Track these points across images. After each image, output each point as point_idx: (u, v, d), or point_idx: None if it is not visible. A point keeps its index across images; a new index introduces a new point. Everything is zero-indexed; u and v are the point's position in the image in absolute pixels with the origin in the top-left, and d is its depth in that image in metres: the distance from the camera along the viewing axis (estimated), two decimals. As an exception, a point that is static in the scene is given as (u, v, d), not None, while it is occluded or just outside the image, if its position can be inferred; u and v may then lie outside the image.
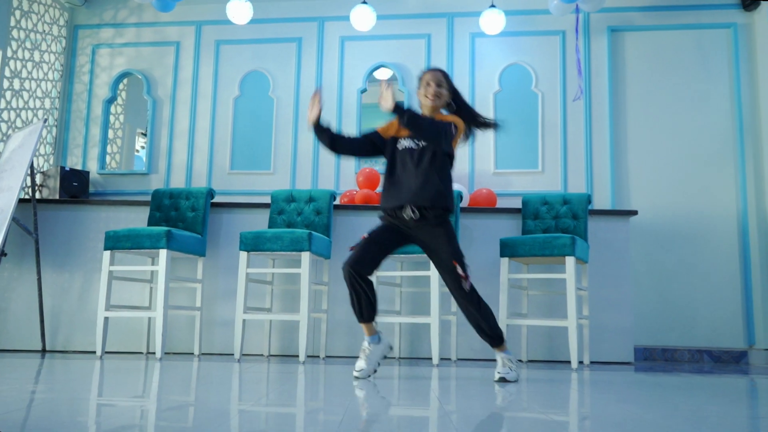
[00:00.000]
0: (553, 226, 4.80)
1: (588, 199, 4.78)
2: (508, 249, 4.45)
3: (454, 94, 3.38)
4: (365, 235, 3.28)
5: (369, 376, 3.28)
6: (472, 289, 3.23)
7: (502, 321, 4.36)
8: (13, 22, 5.54)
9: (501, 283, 4.43)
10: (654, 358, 5.26)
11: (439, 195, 3.20)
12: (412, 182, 3.21)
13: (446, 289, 4.64)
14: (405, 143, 3.28)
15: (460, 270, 3.18)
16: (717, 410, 2.37)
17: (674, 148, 5.65)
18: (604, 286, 4.84)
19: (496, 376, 3.23)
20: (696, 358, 5.23)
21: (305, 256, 4.30)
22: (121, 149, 6.66)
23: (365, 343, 3.30)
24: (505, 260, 4.44)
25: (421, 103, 3.36)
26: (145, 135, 6.62)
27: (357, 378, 3.23)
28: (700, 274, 5.46)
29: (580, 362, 4.54)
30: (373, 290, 3.23)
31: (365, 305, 3.22)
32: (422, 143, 3.24)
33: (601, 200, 5.58)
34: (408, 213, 3.21)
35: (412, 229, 3.26)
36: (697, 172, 5.60)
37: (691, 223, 5.53)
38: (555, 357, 4.77)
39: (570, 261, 4.26)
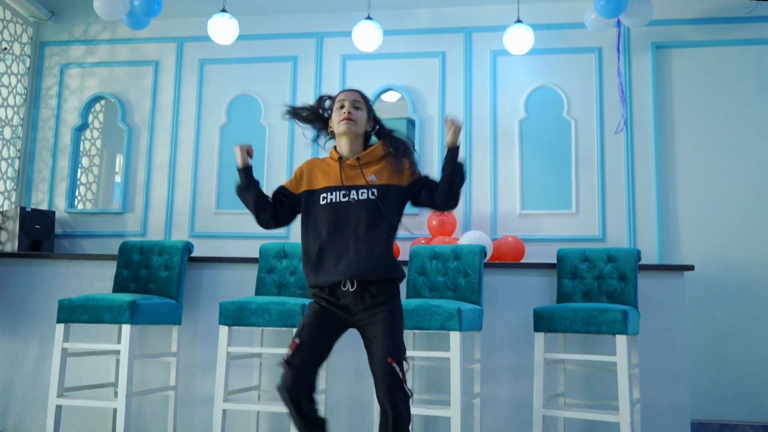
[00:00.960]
0: (595, 289, 4.00)
1: (638, 256, 3.98)
2: (543, 322, 3.67)
3: (375, 120, 2.63)
4: (295, 340, 2.46)
5: None
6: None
7: (537, 410, 3.59)
8: (-39, 43, 4.78)
9: (536, 363, 3.65)
10: (711, 437, 4.48)
11: (388, 263, 2.48)
12: (351, 248, 2.44)
13: (469, 366, 3.90)
14: (330, 197, 2.49)
15: (398, 370, 2.38)
16: None
17: (732, 186, 4.83)
18: (655, 359, 4.05)
19: None
20: (760, 435, 4.44)
21: (298, 333, 3.53)
22: (98, 178, 5.91)
23: None
24: (540, 335, 3.67)
25: (331, 129, 2.59)
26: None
27: None
28: (764, 336, 4.65)
29: (631, 454, 3.76)
30: (317, 410, 2.46)
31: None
32: (358, 196, 2.47)
33: (646, 248, 4.78)
34: (347, 289, 2.44)
35: (349, 312, 2.48)
36: (760, 214, 4.78)
37: (752, 276, 4.72)
38: (598, 444, 3.99)
39: (621, 340, 3.48)
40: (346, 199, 2.47)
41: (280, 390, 2.42)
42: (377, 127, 2.64)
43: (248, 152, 2.63)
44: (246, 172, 2.62)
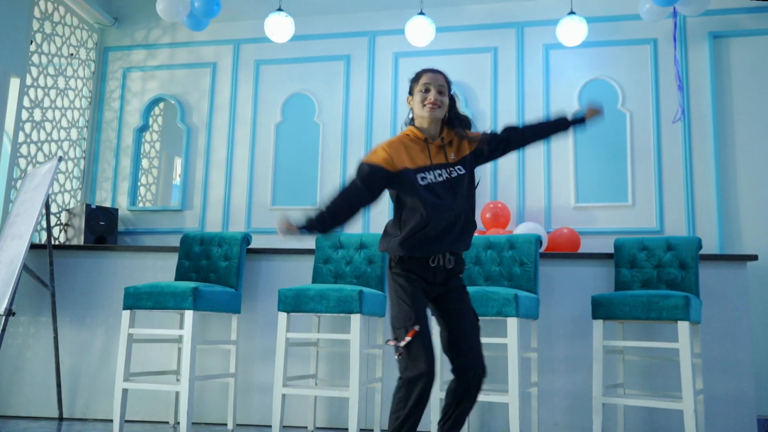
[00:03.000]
0: (654, 278, 3.94)
1: (698, 244, 3.91)
2: (602, 309, 3.63)
3: (452, 99, 2.60)
4: (415, 328, 2.38)
5: None
6: None
7: (596, 398, 3.55)
8: (33, 47, 5.01)
9: (594, 350, 3.61)
10: (778, 433, 4.33)
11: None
12: (448, 223, 2.45)
13: (525, 354, 3.88)
14: (430, 177, 2.47)
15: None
16: None
17: (795, 176, 4.71)
18: (719, 349, 3.96)
19: None
20: (831, 433, 4.28)
21: (355, 319, 3.59)
22: (157, 179, 6.10)
23: None
24: (599, 323, 3.63)
25: (414, 113, 2.57)
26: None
27: None
28: (833, 330, 4.50)
29: (694, 446, 3.67)
30: None
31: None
32: (456, 170, 2.49)
33: (706, 240, 4.68)
34: (443, 263, 2.49)
35: (436, 286, 2.51)
36: (825, 204, 4.65)
37: (819, 267, 4.58)
38: (659, 436, 3.91)
39: (683, 327, 3.42)
40: (441, 179, 2.48)
41: (419, 377, 2.33)
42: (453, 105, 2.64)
43: (288, 228, 2.47)
44: (306, 229, 2.48)
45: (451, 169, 2.50)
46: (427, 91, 2.51)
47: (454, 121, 2.59)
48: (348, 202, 2.48)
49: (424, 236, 2.45)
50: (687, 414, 3.37)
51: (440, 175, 2.48)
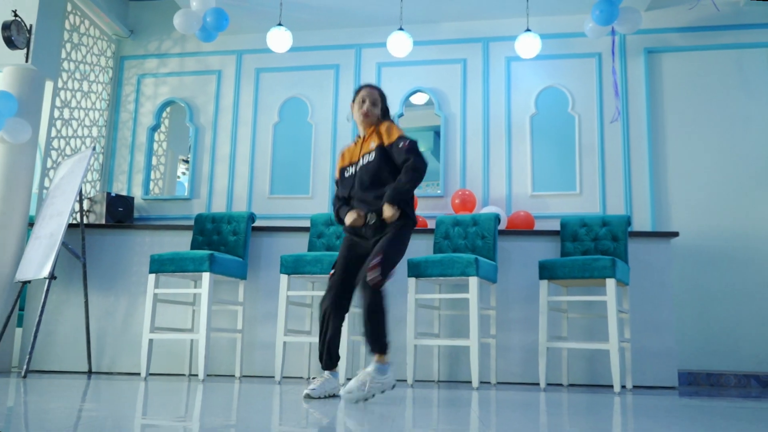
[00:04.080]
0: (592, 249, 4.76)
1: (628, 221, 4.74)
2: (546, 271, 4.43)
3: (384, 113, 3.46)
4: (331, 271, 3.42)
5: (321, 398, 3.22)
6: (381, 290, 3.10)
7: (542, 344, 4.33)
8: (63, 54, 5.77)
9: (540, 305, 4.40)
10: (699, 383, 5.15)
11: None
12: (370, 195, 3.31)
13: (486, 312, 4.67)
14: (351, 170, 3.43)
15: (378, 268, 3.08)
16: (766, 435, 2.32)
17: (715, 169, 5.58)
18: (645, 309, 4.78)
19: (343, 392, 3.05)
20: (743, 383, 5.09)
21: (344, 279, 4.34)
22: (163, 175, 6.84)
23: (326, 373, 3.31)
24: (544, 283, 4.42)
25: (353, 116, 3.46)
26: (186, 161, 6.79)
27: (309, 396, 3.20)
28: (744, 296, 5.35)
29: (623, 386, 4.47)
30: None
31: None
32: (364, 157, 3.39)
33: (642, 222, 5.52)
34: (370, 220, 3.28)
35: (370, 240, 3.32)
36: (738, 192, 5.52)
37: (733, 244, 5.43)
38: (596, 381, 4.71)
39: (611, 283, 4.22)
40: (353, 169, 3.42)
41: (320, 307, 3.34)
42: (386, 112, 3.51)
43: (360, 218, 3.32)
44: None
45: (365, 156, 3.36)
46: (363, 102, 3.42)
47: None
48: (338, 202, 3.52)
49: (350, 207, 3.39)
50: (612, 353, 4.16)
51: (353, 165, 3.43)
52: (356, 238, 3.36)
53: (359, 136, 3.47)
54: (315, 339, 4.47)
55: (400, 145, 3.24)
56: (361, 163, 3.36)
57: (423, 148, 6.57)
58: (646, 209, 5.55)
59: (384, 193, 3.23)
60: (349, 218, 3.28)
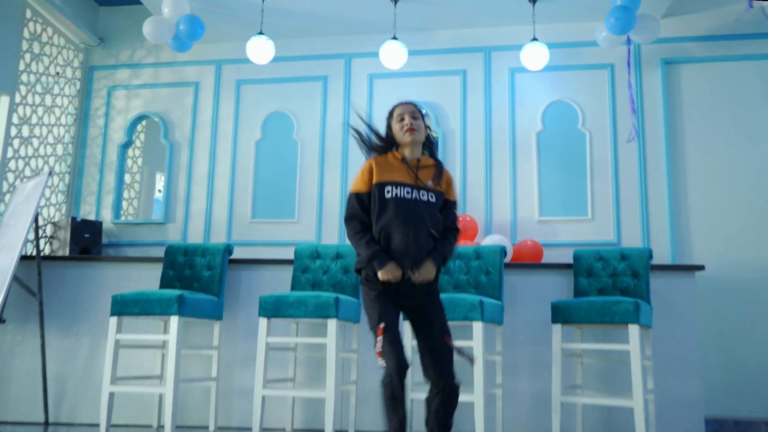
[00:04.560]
0: (609, 286, 4.25)
1: (649, 255, 4.23)
2: (560, 314, 3.92)
3: (427, 128, 2.88)
4: (381, 325, 2.63)
5: None
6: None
7: (555, 397, 3.83)
8: (22, 66, 5.22)
9: (553, 353, 3.90)
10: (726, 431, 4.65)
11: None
12: (411, 238, 2.68)
13: (491, 357, 4.15)
14: (396, 191, 2.72)
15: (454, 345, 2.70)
16: None
17: (740, 192, 5.08)
18: (668, 353, 4.27)
19: None
20: (774, 431, 4.60)
21: (332, 324, 3.83)
22: (139, 194, 6.31)
23: None
24: (557, 327, 3.92)
25: (397, 139, 2.80)
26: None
27: None
28: (775, 335, 4.85)
29: (646, 443, 3.95)
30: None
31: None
32: (429, 195, 2.76)
33: (660, 250, 5.02)
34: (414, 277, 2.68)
35: (406, 297, 2.71)
36: (767, 218, 5.02)
37: (761, 277, 4.93)
38: (615, 434, 4.20)
39: (634, 330, 3.72)
40: (410, 196, 2.72)
41: (386, 377, 2.53)
42: (428, 133, 2.91)
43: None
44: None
45: (423, 191, 2.74)
46: (402, 119, 2.79)
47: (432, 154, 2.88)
48: (365, 231, 2.72)
49: (389, 251, 2.67)
50: (637, 411, 3.65)
51: (409, 192, 2.72)
52: (385, 288, 2.69)
53: (399, 153, 2.80)
54: (298, 393, 3.95)
55: (454, 208, 2.86)
56: (419, 196, 2.73)
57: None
58: (665, 236, 5.05)
59: (431, 247, 2.70)
60: (390, 275, 2.64)
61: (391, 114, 2.86)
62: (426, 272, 2.67)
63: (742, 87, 5.21)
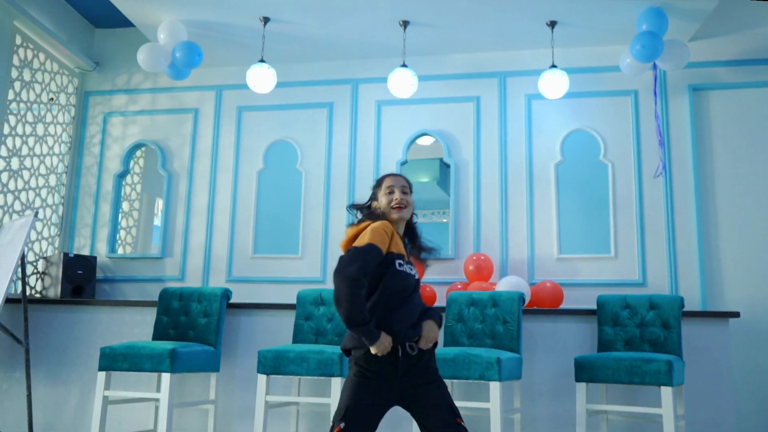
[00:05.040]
0: (637, 337, 3.92)
1: (681, 304, 3.90)
2: (585, 372, 3.60)
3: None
4: (340, 424, 2.25)
5: None
6: None
7: (580, 463, 3.50)
8: (11, 95, 4.95)
9: (578, 414, 3.58)
10: (763, 491, 4.31)
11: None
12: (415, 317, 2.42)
13: (510, 416, 3.83)
14: (405, 266, 2.45)
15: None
16: None
17: (775, 229, 4.73)
18: (701, 410, 3.94)
19: None
20: (816, 490, 4.25)
21: (336, 383, 3.53)
22: (138, 222, 6.02)
23: None
24: (582, 386, 3.60)
25: (381, 211, 2.51)
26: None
27: None
28: (815, 385, 4.50)
29: None
30: None
31: None
32: (412, 267, 2.51)
33: (688, 291, 4.67)
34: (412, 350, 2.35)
35: (401, 379, 2.35)
36: (805, 258, 4.67)
37: (800, 321, 4.58)
38: (644, 499, 3.86)
39: (667, 392, 3.39)
40: (411, 272, 2.48)
41: None
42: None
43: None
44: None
45: (412, 266, 2.50)
46: (391, 192, 2.52)
47: (418, 241, 2.61)
48: (365, 304, 2.34)
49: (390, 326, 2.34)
50: (671, 482, 3.33)
51: (410, 269, 2.48)
52: (371, 374, 2.33)
53: (392, 229, 2.47)
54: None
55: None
56: (412, 272, 2.48)
57: (428, 178, 5.78)
58: (695, 276, 4.70)
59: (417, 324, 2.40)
60: (382, 349, 2.29)
61: (379, 184, 2.59)
62: (430, 330, 2.39)
63: (775, 115, 4.87)
